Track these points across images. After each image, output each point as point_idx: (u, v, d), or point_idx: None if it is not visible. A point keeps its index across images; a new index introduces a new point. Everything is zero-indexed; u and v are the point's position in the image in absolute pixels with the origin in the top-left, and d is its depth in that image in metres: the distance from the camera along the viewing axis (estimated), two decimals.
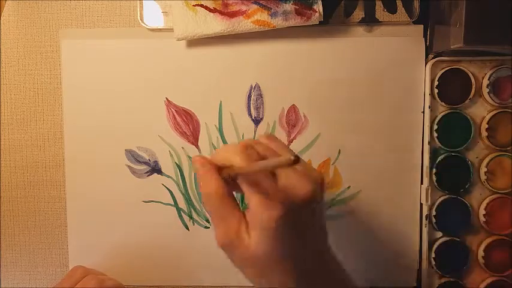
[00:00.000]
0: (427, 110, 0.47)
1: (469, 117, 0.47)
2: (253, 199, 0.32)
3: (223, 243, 0.34)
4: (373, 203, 0.48)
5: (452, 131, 0.47)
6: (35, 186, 0.50)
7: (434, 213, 0.47)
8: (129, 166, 0.48)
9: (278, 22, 0.44)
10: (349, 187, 0.48)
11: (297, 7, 0.44)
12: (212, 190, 0.34)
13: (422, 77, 0.47)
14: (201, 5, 0.45)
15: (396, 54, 0.47)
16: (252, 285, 0.42)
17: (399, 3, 0.47)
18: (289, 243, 0.33)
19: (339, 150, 0.48)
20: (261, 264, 0.33)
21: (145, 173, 0.49)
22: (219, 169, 0.34)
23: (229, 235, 0.33)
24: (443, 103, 0.47)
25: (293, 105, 0.48)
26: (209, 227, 0.49)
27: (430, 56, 0.47)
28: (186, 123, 0.48)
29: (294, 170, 0.33)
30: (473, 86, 0.46)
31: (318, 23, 0.45)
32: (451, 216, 0.47)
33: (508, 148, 0.47)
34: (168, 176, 0.48)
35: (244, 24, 0.45)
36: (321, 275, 0.35)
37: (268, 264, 0.33)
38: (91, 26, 0.48)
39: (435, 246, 0.48)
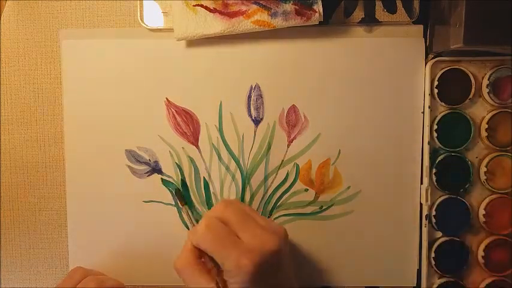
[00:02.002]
0: (427, 110, 0.47)
1: (468, 117, 0.47)
2: (227, 263, 0.37)
3: None
4: (373, 203, 0.48)
5: (452, 131, 0.47)
6: (35, 186, 0.50)
7: (434, 213, 0.47)
8: (129, 166, 0.48)
9: (278, 22, 0.45)
10: (349, 187, 0.48)
11: (297, 7, 0.44)
12: (181, 262, 0.40)
13: (422, 77, 0.47)
14: (201, 5, 0.45)
15: (396, 54, 0.47)
16: None
17: (399, 4, 0.47)
18: None
19: (339, 150, 0.48)
20: None
21: (146, 173, 0.49)
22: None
23: None
24: (443, 103, 0.47)
25: (293, 105, 0.48)
26: None
27: (430, 56, 0.47)
28: (186, 123, 0.48)
29: (257, 227, 0.39)
30: (473, 86, 0.46)
31: (317, 23, 0.45)
32: (450, 216, 0.47)
33: (508, 148, 0.47)
34: (169, 176, 0.49)
35: (244, 25, 0.45)
36: None
37: None
38: (91, 26, 0.48)
39: (435, 246, 0.48)
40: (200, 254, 0.40)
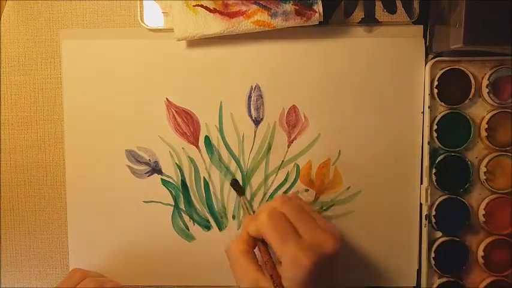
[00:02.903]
0: (426, 110, 0.47)
1: (468, 117, 0.47)
2: (285, 257, 0.37)
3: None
4: (373, 203, 0.48)
5: (452, 131, 0.47)
6: (35, 186, 0.50)
7: (434, 213, 0.47)
8: (129, 166, 0.48)
9: (278, 22, 0.45)
10: (349, 187, 0.48)
11: (296, 7, 0.44)
12: (236, 247, 0.41)
13: (422, 77, 0.47)
14: (201, 5, 0.45)
15: (396, 54, 0.47)
16: None
17: (399, 4, 0.47)
18: None
19: (339, 150, 0.48)
20: None
21: (146, 173, 0.49)
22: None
23: (248, 282, 0.39)
24: (443, 103, 0.47)
25: (293, 105, 0.48)
26: (209, 228, 0.49)
27: (430, 56, 0.47)
28: (186, 124, 0.48)
29: (317, 226, 0.39)
30: (473, 86, 0.46)
31: (317, 23, 0.45)
32: (450, 216, 0.47)
33: (508, 148, 0.47)
34: (169, 176, 0.49)
35: (244, 25, 0.45)
36: None
37: None
38: (91, 26, 0.48)
39: (435, 246, 0.48)
40: (254, 245, 0.41)
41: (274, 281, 0.38)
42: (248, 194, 0.49)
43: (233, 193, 0.49)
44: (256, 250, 0.42)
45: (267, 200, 0.49)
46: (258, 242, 0.41)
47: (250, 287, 0.39)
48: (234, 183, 0.48)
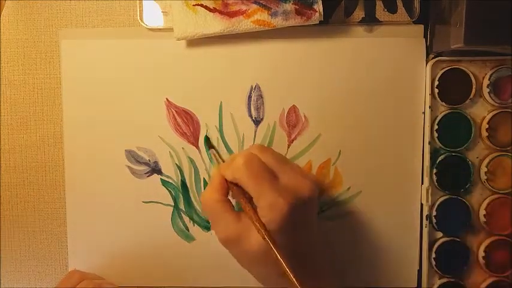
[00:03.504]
0: (427, 110, 0.47)
1: (469, 117, 0.47)
2: (262, 200, 0.37)
3: (223, 240, 0.40)
4: (373, 204, 0.48)
5: (452, 131, 0.47)
6: (34, 186, 0.50)
7: (434, 213, 0.47)
8: (129, 166, 0.48)
9: (278, 22, 0.44)
10: (349, 188, 0.48)
11: (297, 7, 0.44)
12: (209, 197, 0.40)
13: (423, 77, 0.47)
14: (201, 5, 0.45)
15: (396, 54, 0.47)
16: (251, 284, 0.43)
17: (399, 3, 0.47)
18: (291, 235, 0.38)
19: (340, 150, 0.48)
20: (262, 256, 0.37)
21: (145, 173, 0.48)
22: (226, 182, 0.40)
23: (229, 232, 0.39)
24: (443, 103, 0.47)
25: (293, 105, 0.48)
26: (209, 228, 0.49)
27: (431, 56, 0.47)
28: (186, 124, 0.48)
29: (294, 171, 0.39)
30: (474, 86, 0.46)
31: (318, 22, 0.45)
32: (451, 216, 0.47)
33: (509, 148, 0.47)
34: (168, 177, 0.48)
35: (244, 24, 0.45)
36: (311, 256, 0.40)
37: (268, 254, 0.36)
38: (91, 25, 0.48)
39: (435, 246, 0.48)
40: (227, 192, 0.40)
41: (258, 225, 0.37)
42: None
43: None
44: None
45: None
46: (231, 186, 0.40)
47: (230, 235, 0.39)
48: (206, 140, 0.48)
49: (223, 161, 0.47)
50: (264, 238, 0.36)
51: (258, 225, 0.37)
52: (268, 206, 0.37)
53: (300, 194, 0.38)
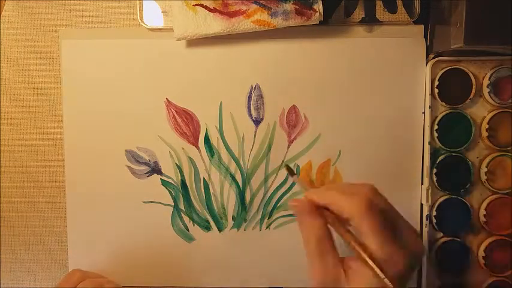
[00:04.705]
0: (427, 110, 0.47)
1: (469, 117, 0.47)
2: (380, 252, 0.34)
3: (320, 282, 0.36)
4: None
5: (452, 131, 0.47)
6: (34, 187, 0.50)
7: (434, 213, 0.47)
8: (129, 167, 0.48)
9: (278, 22, 0.44)
10: None
11: (297, 7, 0.44)
12: (311, 233, 0.36)
13: (423, 77, 0.47)
14: (201, 5, 0.45)
15: (396, 54, 0.47)
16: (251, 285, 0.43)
17: (399, 3, 0.47)
18: None
19: (340, 151, 0.48)
20: None
21: (145, 173, 0.48)
22: (320, 209, 0.37)
23: (326, 276, 0.36)
24: (443, 103, 0.47)
25: (293, 105, 0.48)
26: (209, 228, 0.49)
27: (431, 56, 0.47)
28: (186, 124, 0.48)
29: (409, 227, 0.37)
30: (474, 86, 0.46)
31: (318, 23, 0.45)
32: (451, 216, 0.47)
33: (509, 148, 0.47)
34: (168, 177, 0.48)
35: (244, 24, 0.45)
36: None
37: None
38: (91, 26, 0.48)
39: (435, 246, 0.47)
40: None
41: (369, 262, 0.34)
42: (248, 195, 0.48)
43: (233, 194, 0.48)
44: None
45: (267, 201, 0.48)
46: (331, 219, 0.37)
47: (324, 279, 0.35)
48: (287, 167, 0.43)
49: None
50: (376, 276, 0.34)
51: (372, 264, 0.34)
52: (388, 259, 0.34)
53: (415, 253, 0.35)
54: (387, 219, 0.36)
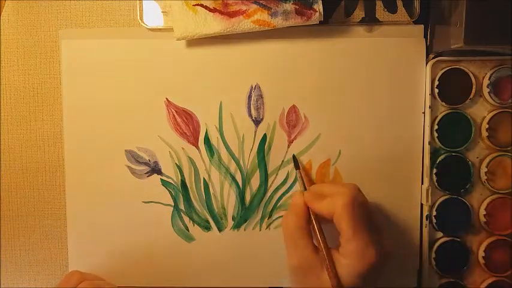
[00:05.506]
0: (427, 110, 0.47)
1: (469, 117, 0.47)
2: (353, 245, 0.38)
3: (295, 266, 0.40)
4: (373, 204, 0.48)
5: (452, 131, 0.47)
6: (34, 187, 0.50)
7: (434, 213, 0.47)
8: (128, 167, 0.48)
9: (278, 22, 0.44)
10: None
11: (297, 7, 0.44)
12: (290, 220, 0.41)
13: (423, 76, 0.47)
14: (201, 5, 0.45)
15: (396, 54, 0.47)
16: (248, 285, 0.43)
17: (399, 3, 0.47)
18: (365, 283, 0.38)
19: (340, 151, 0.48)
20: None
21: (145, 173, 0.48)
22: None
23: (302, 261, 0.40)
24: (443, 103, 0.47)
25: (293, 105, 0.48)
26: (209, 228, 0.49)
27: (431, 55, 0.47)
28: (186, 124, 0.48)
29: (379, 227, 0.41)
30: (474, 86, 0.46)
31: (318, 22, 0.45)
32: (451, 216, 0.47)
33: (509, 148, 0.47)
34: (168, 177, 0.48)
35: (244, 24, 0.45)
36: None
37: None
38: (90, 25, 0.48)
39: (435, 246, 0.48)
40: (309, 219, 0.42)
41: (328, 264, 0.38)
42: (248, 195, 0.48)
43: (233, 194, 0.48)
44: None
45: (267, 201, 0.48)
46: (313, 218, 0.41)
47: (303, 264, 0.39)
48: (293, 157, 0.48)
49: (303, 183, 0.46)
50: (331, 278, 0.38)
51: (327, 261, 0.38)
52: (359, 253, 0.37)
53: (386, 252, 0.39)
54: (365, 216, 0.39)
